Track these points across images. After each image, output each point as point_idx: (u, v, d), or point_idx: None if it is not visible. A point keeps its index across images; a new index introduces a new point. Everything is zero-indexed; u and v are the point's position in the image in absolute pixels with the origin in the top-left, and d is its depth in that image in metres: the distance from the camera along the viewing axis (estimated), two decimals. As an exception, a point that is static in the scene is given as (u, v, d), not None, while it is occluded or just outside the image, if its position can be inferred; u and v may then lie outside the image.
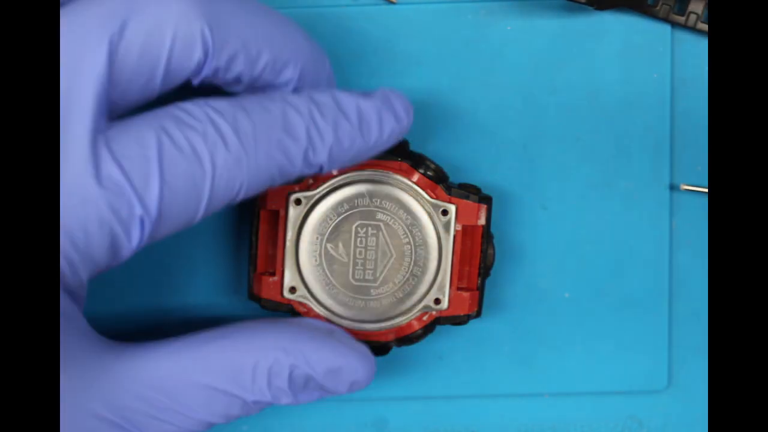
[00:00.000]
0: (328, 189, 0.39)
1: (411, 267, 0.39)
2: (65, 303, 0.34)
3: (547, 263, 0.42)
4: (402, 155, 0.39)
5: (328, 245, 0.39)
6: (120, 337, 0.38)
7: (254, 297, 0.40)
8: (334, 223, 0.39)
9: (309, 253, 0.39)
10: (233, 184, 0.34)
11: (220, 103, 0.34)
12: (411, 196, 0.39)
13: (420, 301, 0.40)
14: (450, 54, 0.42)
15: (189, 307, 0.42)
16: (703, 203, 0.42)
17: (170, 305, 0.42)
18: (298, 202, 0.39)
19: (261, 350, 0.37)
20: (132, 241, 0.34)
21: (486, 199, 0.40)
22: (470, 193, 0.40)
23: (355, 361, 0.38)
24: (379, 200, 0.39)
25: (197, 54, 0.34)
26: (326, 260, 0.39)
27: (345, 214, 0.39)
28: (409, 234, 0.39)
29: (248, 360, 0.36)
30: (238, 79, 0.36)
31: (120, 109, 0.34)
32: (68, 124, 0.32)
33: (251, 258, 0.40)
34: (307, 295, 0.40)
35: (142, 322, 0.42)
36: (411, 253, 0.39)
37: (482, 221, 0.40)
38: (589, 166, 0.42)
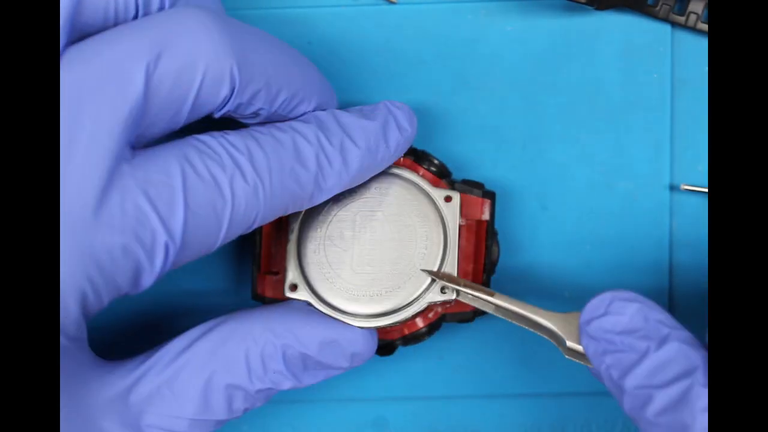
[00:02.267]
0: None
1: (415, 256, 0.39)
2: (79, 323, 0.34)
3: (547, 263, 0.42)
4: (406, 152, 0.39)
5: (331, 237, 0.39)
6: (125, 341, 0.38)
7: (258, 297, 0.40)
8: (336, 214, 0.39)
9: (311, 249, 0.39)
10: (250, 213, 0.35)
11: (234, 137, 0.35)
12: (414, 185, 0.39)
13: (427, 290, 0.39)
14: (450, 54, 0.42)
15: (195, 310, 0.42)
16: (703, 203, 0.42)
17: (177, 309, 0.42)
18: None
19: (250, 337, 0.36)
20: (155, 267, 0.34)
21: (489, 194, 0.40)
22: (474, 188, 0.40)
23: (350, 333, 0.38)
24: (381, 189, 0.39)
25: (225, 91, 0.34)
26: (329, 252, 0.39)
27: (347, 205, 0.39)
28: (413, 222, 0.39)
29: (239, 350, 0.36)
30: (256, 114, 0.36)
31: (144, 140, 0.35)
32: (93, 152, 0.33)
33: (255, 257, 0.40)
34: (309, 293, 0.39)
35: (150, 325, 0.42)
36: (415, 241, 0.39)
37: (486, 216, 0.40)
38: (589, 166, 0.42)
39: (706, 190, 0.42)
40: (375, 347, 0.38)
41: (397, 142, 0.38)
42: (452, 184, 0.40)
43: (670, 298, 0.42)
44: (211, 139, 0.35)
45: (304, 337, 0.37)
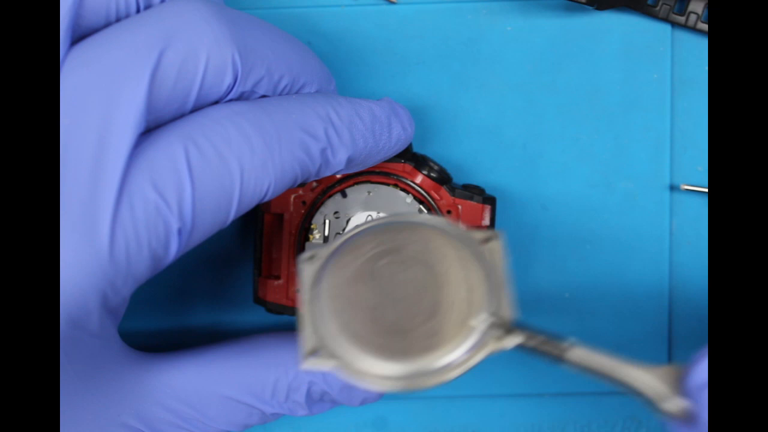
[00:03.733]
0: (342, 240, 0.34)
1: (455, 303, 0.33)
2: (101, 320, 0.34)
3: (547, 263, 0.42)
4: (405, 157, 0.39)
5: (352, 293, 0.33)
6: (138, 346, 0.38)
7: (259, 301, 0.40)
8: (355, 268, 0.34)
9: (329, 309, 0.33)
10: (261, 185, 0.35)
11: (242, 106, 0.35)
12: (442, 230, 0.34)
13: (481, 340, 0.32)
14: (450, 54, 0.42)
15: (200, 312, 0.42)
16: (703, 203, 0.42)
17: (183, 310, 0.42)
18: (311, 258, 0.34)
19: (282, 367, 0.38)
20: (170, 254, 0.34)
21: (490, 200, 0.40)
22: (474, 194, 0.40)
23: None
24: (404, 236, 0.34)
25: (228, 80, 0.34)
26: (351, 311, 0.33)
27: (365, 255, 0.34)
28: (447, 266, 0.33)
29: (270, 376, 0.38)
30: None
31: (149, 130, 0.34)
32: (105, 154, 0.33)
33: (255, 262, 0.40)
34: (334, 359, 0.32)
35: (157, 329, 0.42)
36: (454, 286, 0.33)
37: (486, 221, 0.40)
38: (589, 166, 0.42)
39: (706, 190, 0.42)
40: (383, 393, 0.39)
41: (398, 135, 0.38)
42: (453, 190, 0.40)
43: (670, 299, 0.42)
44: (216, 112, 0.35)
45: (330, 377, 0.38)
